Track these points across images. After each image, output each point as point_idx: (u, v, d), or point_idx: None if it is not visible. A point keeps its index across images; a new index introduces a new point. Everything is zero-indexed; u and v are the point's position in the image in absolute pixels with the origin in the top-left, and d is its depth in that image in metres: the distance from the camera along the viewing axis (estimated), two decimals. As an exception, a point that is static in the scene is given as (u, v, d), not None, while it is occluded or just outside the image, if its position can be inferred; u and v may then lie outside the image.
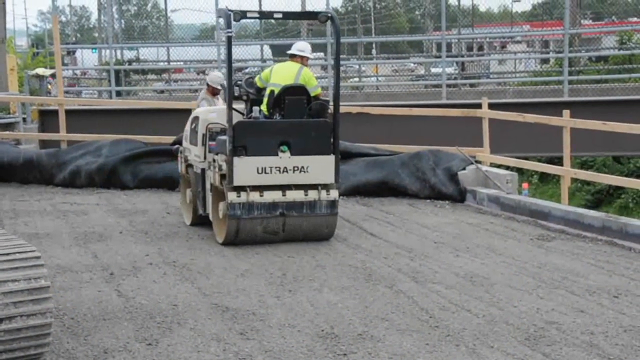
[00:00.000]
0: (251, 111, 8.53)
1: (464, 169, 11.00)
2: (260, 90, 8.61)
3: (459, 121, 13.37)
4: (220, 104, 10.36)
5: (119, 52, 21.91)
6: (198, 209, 8.88)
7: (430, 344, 5.36)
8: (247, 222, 8.02)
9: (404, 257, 7.75)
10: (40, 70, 20.03)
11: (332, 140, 8.28)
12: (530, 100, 16.01)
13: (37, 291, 4.54)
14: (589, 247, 8.15)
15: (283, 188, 8.10)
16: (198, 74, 26.51)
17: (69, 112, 14.38)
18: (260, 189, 8.03)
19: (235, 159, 7.95)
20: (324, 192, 8.18)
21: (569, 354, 5.17)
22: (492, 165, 11.87)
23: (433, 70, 25.37)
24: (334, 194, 8.23)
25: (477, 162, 11.50)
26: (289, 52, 8.78)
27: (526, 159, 13.50)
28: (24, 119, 15.77)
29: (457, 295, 6.46)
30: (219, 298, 6.42)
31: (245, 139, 8.02)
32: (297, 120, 8.26)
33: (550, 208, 9.47)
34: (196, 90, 21.85)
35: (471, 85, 20.95)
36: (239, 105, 8.68)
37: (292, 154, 8.12)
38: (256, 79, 8.71)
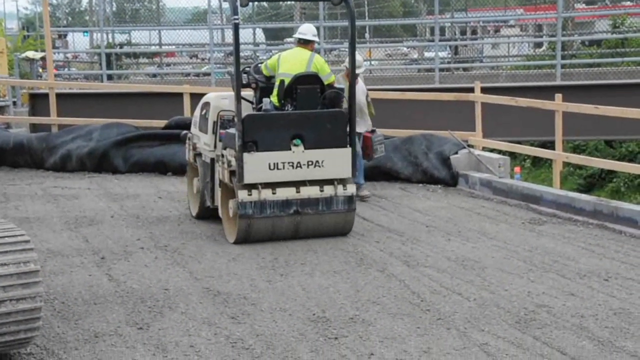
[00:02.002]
0: (261, 101, 8.01)
1: (456, 153, 11.00)
2: (269, 78, 8.10)
3: (451, 105, 13.35)
4: None
5: (110, 35, 21.77)
6: (206, 201, 8.38)
7: (422, 328, 5.37)
8: (259, 221, 7.50)
9: (395, 241, 7.76)
10: (30, 54, 19.91)
11: (348, 131, 7.82)
12: (523, 84, 15.99)
13: (26, 275, 4.52)
14: (580, 231, 8.17)
15: (297, 184, 7.61)
16: (191, 57, 26.41)
17: (59, 96, 14.31)
18: (273, 185, 7.54)
19: (246, 155, 7.44)
20: (340, 188, 7.69)
21: (559, 336, 5.19)
22: (485, 149, 11.87)
23: (426, 54, 25.32)
24: (351, 188, 7.75)
25: (470, 146, 11.49)
26: (298, 37, 8.22)
27: (519, 143, 13.50)
28: (14, 103, 15.69)
29: (449, 279, 6.47)
30: (210, 282, 6.41)
31: (255, 133, 7.50)
32: (310, 112, 7.77)
33: (542, 192, 9.47)
34: (188, 74, 21.79)
35: (464, 69, 20.91)
36: (248, 93, 8.16)
37: (305, 148, 7.61)
38: (262, 67, 8.20)
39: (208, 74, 17.97)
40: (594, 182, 22.53)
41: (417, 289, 6.20)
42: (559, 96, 11.01)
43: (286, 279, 6.49)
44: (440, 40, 18.41)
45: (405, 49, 29.54)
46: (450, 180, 10.82)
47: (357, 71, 9.09)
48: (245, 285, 6.32)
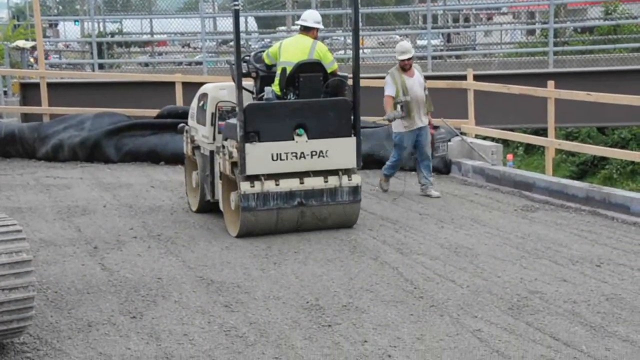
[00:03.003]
0: (261, 90, 7.79)
1: (449, 140, 11.00)
2: (270, 67, 7.90)
3: (444, 93, 13.30)
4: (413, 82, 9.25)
5: (101, 24, 21.66)
6: (206, 195, 8.19)
7: (415, 315, 5.38)
8: (262, 214, 7.32)
9: (389, 228, 7.76)
10: (21, 43, 19.76)
11: (352, 120, 7.64)
12: (516, 71, 15.97)
13: (19, 265, 4.52)
14: (573, 217, 8.19)
15: (301, 175, 7.42)
16: (183, 46, 26.29)
17: (50, 85, 14.24)
18: (276, 177, 7.34)
19: (248, 146, 7.23)
20: (345, 178, 7.51)
21: (551, 322, 5.21)
22: (477, 136, 11.88)
23: (419, 42, 25.26)
24: (356, 179, 7.57)
25: (462, 133, 11.50)
26: (300, 23, 7.99)
27: (511, 130, 13.49)
28: (5, 92, 15.59)
29: (442, 266, 6.49)
30: (203, 271, 6.41)
31: (257, 123, 7.30)
32: (313, 100, 7.55)
33: (534, 179, 9.49)
34: (180, 63, 21.71)
35: (457, 57, 20.85)
36: (248, 83, 7.95)
37: (309, 138, 7.42)
38: (263, 55, 7.96)
39: (200, 63, 17.90)
40: (587, 169, 22.56)
41: (410, 276, 6.21)
42: (551, 83, 11.02)
43: (280, 268, 6.49)
44: (432, 28, 18.37)
45: (397, 37, 29.46)
46: (443, 167, 10.83)
47: (403, 56, 9.11)
48: (238, 274, 6.32)
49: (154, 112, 12.66)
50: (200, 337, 5.04)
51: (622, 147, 19.09)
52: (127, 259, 6.76)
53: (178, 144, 11.70)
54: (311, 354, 4.76)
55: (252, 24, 24.10)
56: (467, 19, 26.64)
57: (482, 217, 8.21)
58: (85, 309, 5.53)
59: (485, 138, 12.08)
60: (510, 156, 13.96)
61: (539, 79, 13.21)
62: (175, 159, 11.68)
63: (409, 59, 9.19)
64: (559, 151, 16.86)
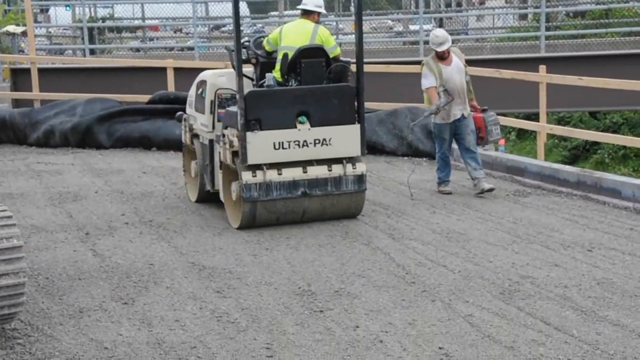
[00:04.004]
0: (262, 77, 7.59)
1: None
2: (270, 53, 7.68)
3: (436, 78, 13.29)
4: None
5: (92, 9, 21.53)
6: (205, 185, 7.98)
7: (407, 300, 5.40)
8: (265, 204, 7.13)
9: (381, 214, 7.77)
10: (11, 28, 19.65)
11: (356, 106, 7.47)
12: (508, 56, 15.95)
13: (9, 251, 4.51)
14: (564, 202, 8.21)
15: (304, 164, 7.22)
16: (174, 32, 26.16)
17: (41, 71, 14.16)
18: (278, 166, 7.15)
19: (249, 134, 7.03)
20: (349, 167, 7.31)
21: (542, 307, 5.23)
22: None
23: (411, 27, 25.21)
24: (361, 167, 7.39)
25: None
26: (301, 7, 7.74)
27: (503, 115, 13.47)
28: (-5, 78, 15.52)
29: (433, 251, 6.50)
30: (195, 257, 6.41)
31: (258, 110, 7.11)
32: (316, 87, 7.35)
33: (526, 164, 9.50)
34: (172, 49, 21.60)
35: (449, 41, 20.84)
36: (248, 70, 7.72)
37: (312, 125, 7.23)
38: (264, 42, 7.73)
39: (192, 49, 17.82)
40: (579, 153, 22.58)
41: (402, 261, 6.22)
42: (543, 68, 11.01)
43: (271, 253, 6.49)
44: (425, 13, 18.34)
45: (390, 21, 29.39)
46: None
47: (442, 48, 8.36)
48: (230, 260, 6.32)
49: (145, 98, 12.60)
50: (192, 322, 5.04)
51: (614, 132, 19.10)
52: (119, 245, 6.75)
53: (170, 129, 11.70)
54: (303, 340, 4.77)
55: (244, 9, 23.99)
56: (459, 4, 26.60)
57: (474, 202, 8.22)
58: (77, 295, 5.53)
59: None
60: (502, 141, 13.97)
61: (531, 64, 13.19)
62: (167, 144, 11.65)
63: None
64: (550, 136, 16.89)
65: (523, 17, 24.74)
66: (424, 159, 10.78)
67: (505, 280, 5.77)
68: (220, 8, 20.13)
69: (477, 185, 8.49)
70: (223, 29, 24.46)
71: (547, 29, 16.77)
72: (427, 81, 8.48)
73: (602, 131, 18.10)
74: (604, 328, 4.89)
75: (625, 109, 18.23)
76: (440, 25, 23.95)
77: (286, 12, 24.04)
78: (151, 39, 23.68)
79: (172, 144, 11.56)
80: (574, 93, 13.40)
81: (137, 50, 20.76)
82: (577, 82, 10.78)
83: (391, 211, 7.87)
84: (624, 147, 19.29)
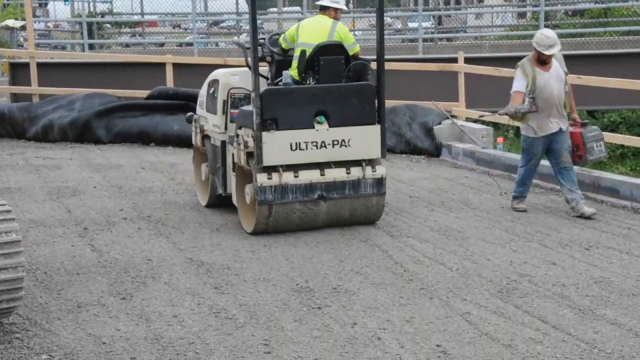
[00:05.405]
0: (277, 75, 7.32)
1: (439, 123, 11.01)
2: (286, 51, 7.40)
3: (435, 76, 13.31)
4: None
5: (91, 4, 21.51)
6: (217, 188, 7.63)
7: (404, 297, 5.40)
8: (280, 207, 6.81)
9: (379, 211, 7.76)
10: (10, 22, 19.59)
11: (377, 107, 7.14)
12: (507, 54, 15.96)
13: (8, 245, 4.51)
14: (562, 201, 8.21)
15: (321, 166, 6.92)
16: (174, 27, 26.14)
17: (40, 65, 14.15)
18: (295, 168, 6.84)
19: (265, 135, 6.72)
20: (369, 169, 6.99)
21: (540, 305, 5.24)
22: (468, 119, 11.88)
23: (410, 24, 25.20)
24: (381, 170, 7.05)
25: (453, 116, 11.50)
26: (319, 3, 7.44)
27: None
28: (-6, 72, 15.49)
29: (432, 249, 6.51)
30: (193, 253, 6.41)
31: (275, 110, 6.80)
32: (334, 85, 7.05)
33: (524, 162, 9.48)
34: (162, 44, 21.58)
35: (448, 39, 20.83)
36: (262, 68, 7.32)
37: (330, 126, 6.92)
38: (280, 39, 7.45)
39: (191, 44, 17.81)
40: (577, 152, 22.60)
41: (400, 259, 6.23)
42: (542, 66, 10.99)
43: (270, 250, 6.50)
44: (423, 11, 18.33)
45: (388, 19, 29.39)
46: (434, 150, 10.85)
47: (550, 51, 7.44)
48: (228, 256, 6.33)
49: (144, 93, 12.61)
50: (190, 318, 5.04)
51: (612, 131, 19.09)
52: (117, 240, 6.75)
53: (168, 125, 11.71)
54: (301, 336, 4.77)
55: (243, 5, 23.99)
56: (458, 2, 26.60)
57: (472, 200, 8.23)
58: (75, 290, 5.53)
59: (475, 121, 12.10)
60: (500, 139, 13.97)
61: (530, 62, 13.18)
62: (165, 140, 11.66)
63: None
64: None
65: (522, 15, 24.75)
66: (422, 156, 10.79)
67: (503, 278, 5.78)
68: (219, 4, 20.12)
69: (574, 208, 7.55)
70: (222, 24, 24.47)
71: (546, 27, 16.76)
72: (516, 84, 7.66)
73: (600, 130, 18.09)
74: (602, 327, 4.90)
75: (624, 107, 18.24)
76: (440, 24, 24.01)
77: (285, 9, 24.01)
78: (150, 35, 23.65)
79: (171, 140, 11.57)
80: (573, 91, 13.41)
81: (127, 45, 20.73)
82: (575, 81, 10.76)
83: (389, 208, 7.87)
84: (622, 146, 19.29)
